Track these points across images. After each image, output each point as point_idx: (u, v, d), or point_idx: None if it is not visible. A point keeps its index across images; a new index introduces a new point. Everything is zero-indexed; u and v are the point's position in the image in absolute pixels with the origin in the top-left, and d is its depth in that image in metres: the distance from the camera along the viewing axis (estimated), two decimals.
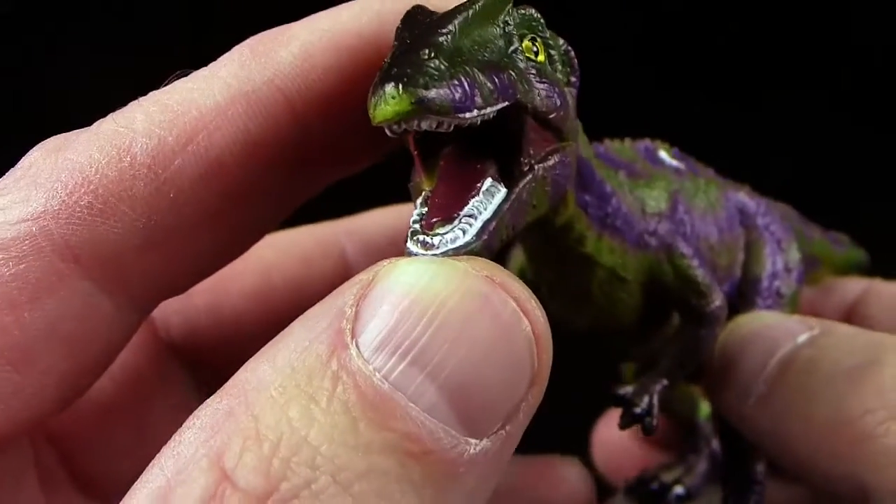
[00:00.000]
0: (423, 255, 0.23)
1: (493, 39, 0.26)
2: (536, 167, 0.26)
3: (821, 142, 0.63)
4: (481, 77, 0.24)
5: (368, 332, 0.19)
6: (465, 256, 0.22)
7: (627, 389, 0.33)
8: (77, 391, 0.27)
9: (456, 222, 0.24)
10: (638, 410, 0.33)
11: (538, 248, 0.32)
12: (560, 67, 0.28)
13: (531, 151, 0.26)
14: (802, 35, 0.64)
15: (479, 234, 0.24)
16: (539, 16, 0.27)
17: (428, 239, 0.24)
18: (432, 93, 0.23)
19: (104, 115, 0.29)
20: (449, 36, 0.25)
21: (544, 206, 0.27)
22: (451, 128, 0.24)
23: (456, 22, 0.25)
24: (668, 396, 0.35)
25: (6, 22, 0.59)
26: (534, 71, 0.26)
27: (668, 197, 0.34)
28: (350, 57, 0.27)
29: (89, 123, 0.30)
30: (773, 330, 0.33)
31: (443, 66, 0.24)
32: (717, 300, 0.33)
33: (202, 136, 0.26)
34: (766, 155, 0.63)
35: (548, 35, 0.28)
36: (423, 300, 0.19)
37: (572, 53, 0.29)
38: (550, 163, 0.27)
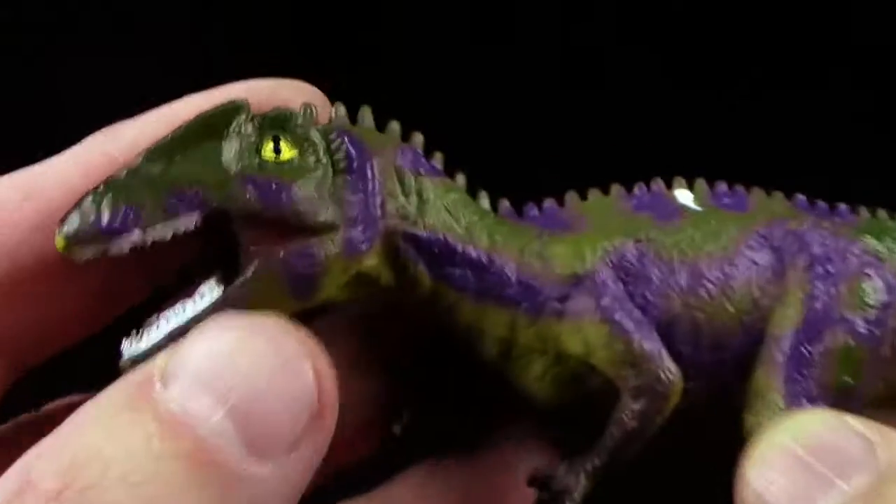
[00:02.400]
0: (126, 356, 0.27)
1: (210, 152, 0.27)
2: (259, 263, 0.27)
3: (829, 142, 0.63)
4: (152, 199, 0.26)
5: (174, 374, 0.23)
6: (265, 312, 0.25)
7: (552, 469, 0.31)
8: None
9: (147, 327, 0.27)
10: (552, 490, 0.31)
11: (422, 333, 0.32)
12: (319, 157, 0.28)
13: (253, 249, 0.27)
14: (810, 34, 0.64)
15: (163, 339, 0.26)
16: (290, 113, 0.28)
17: (124, 343, 0.27)
18: (75, 227, 0.26)
19: (103, 116, 0.31)
20: (132, 164, 0.27)
21: (287, 301, 0.27)
22: (127, 250, 0.26)
23: (149, 149, 0.27)
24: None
25: (6, 22, 0.59)
26: (252, 173, 0.27)
27: (599, 254, 0.31)
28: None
29: (89, 126, 0.30)
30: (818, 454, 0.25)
31: (96, 200, 0.26)
32: (652, 371, 0.30)
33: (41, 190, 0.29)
34: (773, 155, 0.63)
35: (299, 130, 0.28)
36: (220, 343, 0.23)
37: (339, 141, 0.29)
38: (278, 257, 0.27)
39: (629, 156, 0.58)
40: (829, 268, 0.32)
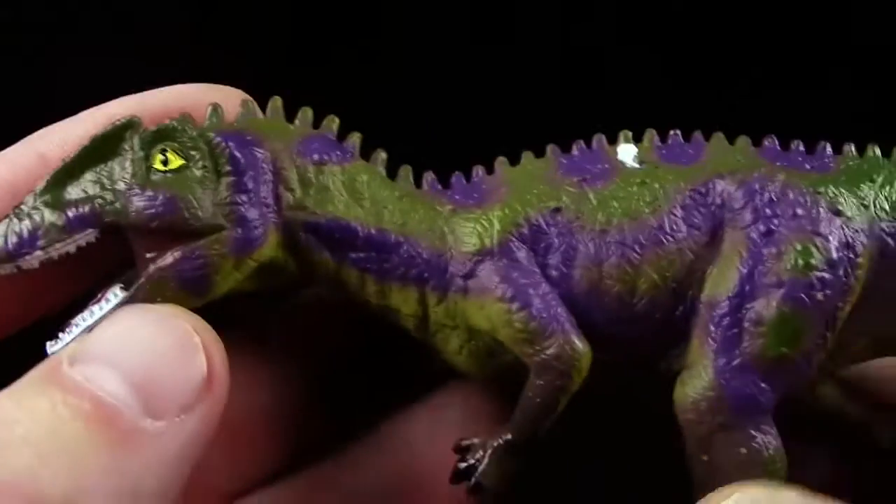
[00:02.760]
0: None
1: (102, 171, 0.29)
2: (151, 269, 0.29)
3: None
4: (52, 219, 0.29)
5: (80, 355, 0.26)
6: (163, 304, 0.28)
7: (471, 440, 0.31)
8: None
9: (65, 329, 0.30)
10: (462, 465, 0.31)
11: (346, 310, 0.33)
12: (204, 163, 0.30)
13: (148, 256, 0.29)
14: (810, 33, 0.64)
15: (73, 340, 0.29)
16: (174, 125, 0.30)
17: (48, 345, 0.30)
18: None
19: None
20: (35, 190, 0.30)
21: (184, 299, 0.29)
22: (37, 265, 0.29)
23: (51, 174, 0.30)
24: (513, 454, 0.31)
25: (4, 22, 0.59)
26: (137, 187, 0.29)
27: (504, 229, 0.30)
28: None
29: None
30: None
31: (6, 225, 0.30)
32: (551, 347, 0.29)
33: None
34: None
35: (185, 139, 0.30)
36: (119, 327, 0.27)
37: (221, 145, 0.30)
38: (168, 262, 0.29)
39: None
40: (772, 225, 0.30)
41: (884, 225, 0.30)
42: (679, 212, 0.30)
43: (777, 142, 0.33)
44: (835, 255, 0.29)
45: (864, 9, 0.64)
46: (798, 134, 0.65)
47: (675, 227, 0.30)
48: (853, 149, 0.32)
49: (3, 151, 0.33)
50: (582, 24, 0.64)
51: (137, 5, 0.61)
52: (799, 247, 0.29)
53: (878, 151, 0.32)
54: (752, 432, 0.28)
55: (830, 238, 0.30)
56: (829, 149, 0.33)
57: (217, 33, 0.62)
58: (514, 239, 0.31)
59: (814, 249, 0.29)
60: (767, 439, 0.28)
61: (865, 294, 0.30)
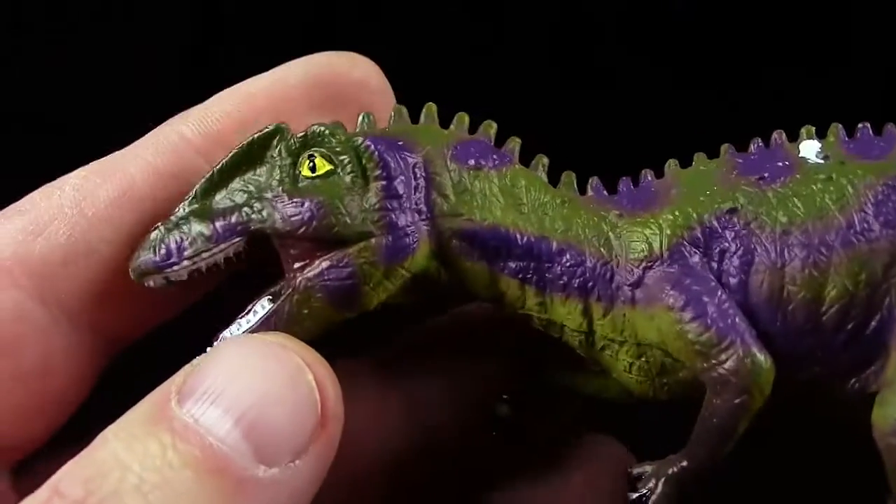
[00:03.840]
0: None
1: (250, 179, 0.29)
2: (298, 280, 0.28)
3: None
4: (199, 229, 0.29)
5: (188, 392, 0.25)
6: (272, 332, 0.28)
7: (643, 468, 0.30)
8: (17, 395, 0.31)
9: (213, 342, 0.29)
10: (633, 496, 0.29)
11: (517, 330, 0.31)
12: (353, 169, 0.29)
13: (296, 266, 0.29)
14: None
15: None
16: (322, 130, 0.29)
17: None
18: (139, 262, 0.30)
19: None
20: (185, 203, 0.30)
21: (331, 312, 0.28)
22: (186, 276, 0.29)
23: (199, 183, 0.30)
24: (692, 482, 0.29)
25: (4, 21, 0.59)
26: (285, 194, 0.28)
27: (673, 234, 0.28)
28: (244, 105, 0.32)
29: (89, 123, 0.31)
30: None
31: (156, 236, 0.30)
32: (729, 360, 0.27)
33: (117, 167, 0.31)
34: None
35: (333, 143, 0.29)
36: (227, 363, 0.25)
37: (371, 149, 0.29)
38: (315, 272, 0.28)
39: (629, 155, 0.58)
40: None
41: None
42: (871, 209, 0.28)
43: None
44: None
45: (864, 9, 0.64)
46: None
47: (866, 225, 0.28)
48: None
49: (145, 137, 0.33)
50: (581, 23, 0.64)
51: (139, 5, 0.61)
52: None
53: None
54: None
55: None
56: None
57: (224, 34, 0.62)
58: (685, 243, 0.29)
59: None
60: None
61: None
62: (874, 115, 0.63)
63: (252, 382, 0.25)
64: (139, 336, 0.34)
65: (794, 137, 0.33)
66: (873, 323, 0.27)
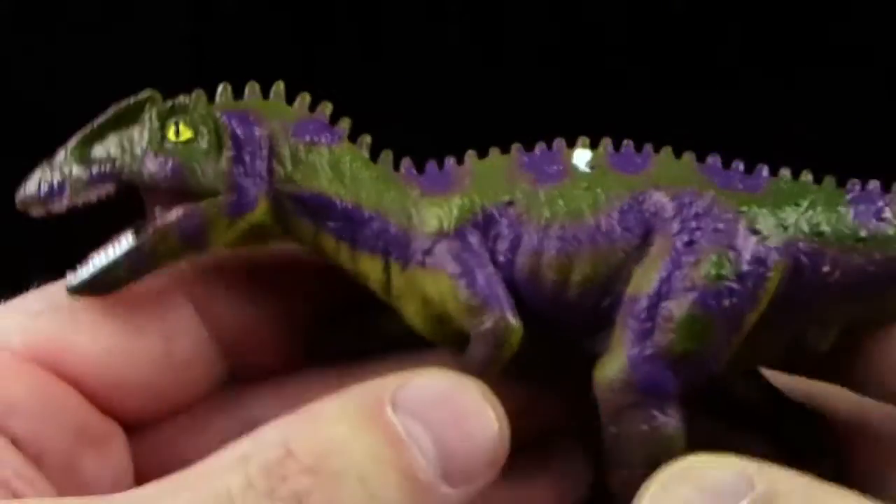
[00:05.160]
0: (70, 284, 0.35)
1: (125, 136, 0.35)
2: (158, 222, 0.35)
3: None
4: (78, 173, 0.35)
5: (401, 402, 0.29)
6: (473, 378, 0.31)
7: None
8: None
9: (83, 264, 0.35)
10: None
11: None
12: (209, 136, 0.35)
13: (157, 211, 0.35)
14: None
15: (89, 275, 0.35)
16: (188, 102, 0.36)
17: (68, 274, 0.35)
18: (24, 195, 0.35)
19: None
20: (67, 146, 0.35)
21: (183, 249, 0.35)
22: (64, 210, 0.35)
23: (79, 134, 0.35)
24: None
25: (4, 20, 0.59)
26: (152, 152, 0.35)
27: (461, 216, 0.34)
28: None
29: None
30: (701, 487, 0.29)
31: (40, 174, 0.35)
32: (487, 320, 0.33)
33: None
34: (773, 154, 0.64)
35: (196, 115, 0.35)
36: (436, 389, 0.30)
37: (225, 123, 0.35)
38: (172, 217, 0.35)
39: None
40: (694, 237, 0.33)
41: (801, 245, 0.34)
42: (616, 216, 0.34)
43: (720, 160, 0.36)
44: (745, 268, 0.33)
45: (864, 9, 0.64)
46: (798, 134, 0.65)
47: (610, 228, 0.34)
48: (789, 173, 0.36)
49: None
50: (578, 24, 0.64)
51: (138, 5, 0.61)
52: (714, 258, 0.33)
53: (810, 178, 0.36)
54: (655, 413, 0.32)
55: (743, 253, 0.33)
56: (765, 171, 0.36)
57: (219, 35, 0.62)
58: (468, 225, 0.34)
59: (726, 262, 0.33)
60: (668, 420, 0.32)
61: (778, 305, 0.33)
62: (869, 116, 0.63)
63: (451, 411, 0.29)
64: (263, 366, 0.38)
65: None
66: (605, 303, 0.33)
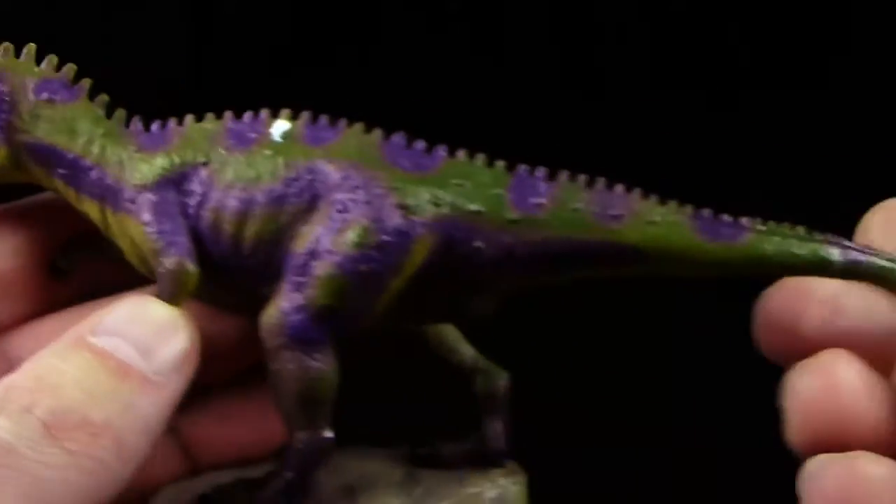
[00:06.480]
0: None
1: None
2: None
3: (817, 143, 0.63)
4: None
5: (101, 326, 0.35)
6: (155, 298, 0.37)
7: None
8: None
9: None
10: None
11: None
12: None
13: None
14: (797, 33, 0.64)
15: None
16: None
17: None
18: None
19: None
20: None
21: None
22: None
23: None
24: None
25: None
26: None
27: (160, 172, 0.39)
28: None
29: None
30: None
31: None
32: (167, 262, 0.37)
33: None
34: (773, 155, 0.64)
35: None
36: (129, 313, 0.36)
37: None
38: None
39: (629, 158, 0.58)
40: (348, 207, 0.37)
41: (452, 221, 0.37)
42: (288, 182, 0.38)
43: (403, 139, 0.39)
44: (385, 238, 0.36)
45: (864, 9, 0.64)
46: (797, 134, 0.65)
47: (282, 192, 0.38)
48: (463, 155, 0.39)
49: None
50: (575, 27, 0.64)
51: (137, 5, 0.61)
52: (357, 228, 0.37)
53: (482, 160, 0.39)
54: (302, 356, 0.36)
55: (386, 225, 0.37)
56: (441, 151, 0.39)
57: (218, 34, 0.62)
58: (166, 180, 0.39)
59: (368, 232, 0.36)
60: (314, 364, 0.36)
61: (434, 272, 0.37)
62: (870, 116, 0.63)
63: (145, 323, 0.35)
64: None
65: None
66: (276, 257, 0.38)
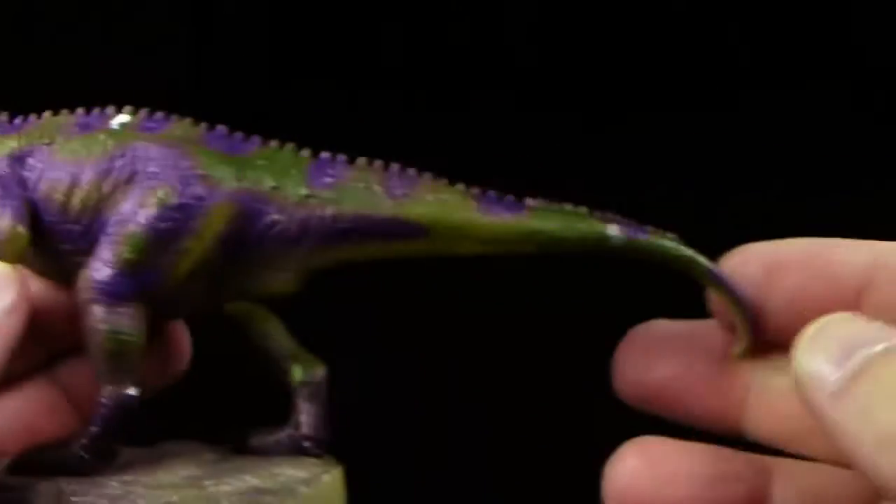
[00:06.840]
0: None
1: None
2: None
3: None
4: None
5: None
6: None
7: None
8: None
9: None
10: None
11: None
12: None
13: None
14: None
15: None
16: None
17: None
18: None
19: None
20: None
21: None
22: None
23: None
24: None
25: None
26: None
27: (7, 151, 0.42)
28: None
29: None
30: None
31: None
32: (0, 224, 0.40)
33: None
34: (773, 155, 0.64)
35: None
36: None
37: None
38: None
39: (629, 158, 0.58)
40: (157, 177, 0.41)
41: (250, 194, 0.41)
42: (113, 158, 0.42)
43: (225, 130, 0.43)
44: (183, 201, 0.41)
45: (863, 9, 0.64)
46: (797, 135, 0.65)
47: (104, 168, 0.42)
48: (276, 143, 0.43)
49: None
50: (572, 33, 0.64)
51: (135, 8, 0.61)
52: (162, 191, 0.41)
53: (288, 147, 0.43)
54: (109, 310, 0.39)
55: (186, 190, 0.41)
56: (256, 139, 0.43)
57: (218, 34, 0.63)
58: (10, 158, 0.43)
59: (169, 195, 0.41)
60: (117, 318, 0.39)
61: (233, 244, 0.41)
62: (869, 116, 0.63)
63: None
64: None
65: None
66: (97, 223, 0.41)
